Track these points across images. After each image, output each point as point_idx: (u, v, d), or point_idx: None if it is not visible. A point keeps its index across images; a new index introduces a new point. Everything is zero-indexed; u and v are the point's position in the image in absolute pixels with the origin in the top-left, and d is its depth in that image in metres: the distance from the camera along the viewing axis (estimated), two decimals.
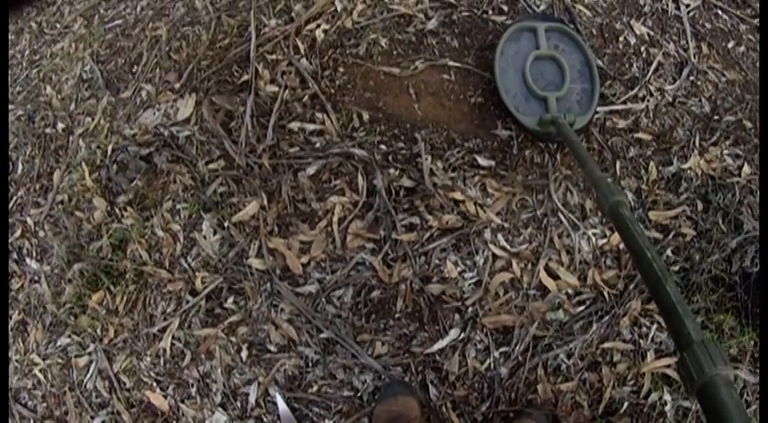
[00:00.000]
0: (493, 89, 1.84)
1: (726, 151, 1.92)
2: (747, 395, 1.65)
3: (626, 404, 1.61)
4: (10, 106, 2.30)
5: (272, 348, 1.67)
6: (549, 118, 1.70)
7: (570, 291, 1.68)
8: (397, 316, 1.66)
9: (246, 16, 1.99)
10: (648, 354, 1.65)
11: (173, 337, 1.73)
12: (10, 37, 2.49)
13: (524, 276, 1.67)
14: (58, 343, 1.86)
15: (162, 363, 1.74)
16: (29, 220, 2.03)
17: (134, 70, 2.08)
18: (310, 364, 1.65)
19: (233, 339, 1.69)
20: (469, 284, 1.66)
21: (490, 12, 1.97)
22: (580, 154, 1.45)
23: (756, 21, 2.20)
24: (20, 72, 2.38)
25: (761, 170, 1.88)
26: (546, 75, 1.84)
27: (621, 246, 1.74)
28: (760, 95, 2.00)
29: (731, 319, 1.70)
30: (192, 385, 1.70)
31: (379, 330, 1.65)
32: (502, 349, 1.63)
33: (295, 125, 1.81)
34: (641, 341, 1.67)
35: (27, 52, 2.42)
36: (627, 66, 1.98)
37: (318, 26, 1.93)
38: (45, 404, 1.85)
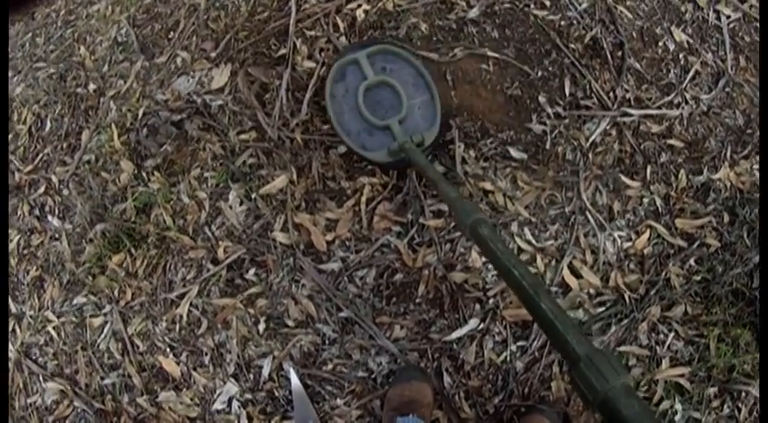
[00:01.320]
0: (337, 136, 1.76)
1: (756, 166, 1.91)
2: (756, 412, 1.64)
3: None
4: (41, 64, 2.30)
5: (290, 323, 1.66)
6: (396, 146, 1.63)
7: (592, 291, 1.68)
8: (417, 301, 1.65)
9: None
10: (664, 361, 1.64)
11: (190, 305, 1.73)
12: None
13: (548, 272, 1.67)
14: (74, 302, 1.87)
15: (177, 329, 1.74)
16: (54, 178, 2.03)
17: (170, 36, 2.08)
18: (327, 342, 1.65)
19: (251, 311, 1.69)
20: (492, 275, 1.65)
21: (532, 5, 1.96)
22: (430, 176, 1.40)
23: None
24: (54, 31, 2.38)
25: (761, 170, 1.86)
26: (383, 102, 1.76)
27: (646, 250, 1.73)
28: (760, 95, 1.99)
29: (748, 335, 1.69)
30: (206, 354, 1.70)
31: (398, 314, 1.65)
32: (519, 343, 1.63)
33: None
34: (657, 348, 1.66)
35: (63, 12, 2.42)
36: (664, 71, 1.96)
37: (359, 6, 1.92)
38: (56, 361, 1.86)
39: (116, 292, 1.82)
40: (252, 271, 1.71)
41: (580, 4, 1.99)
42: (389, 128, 1.70)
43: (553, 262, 1.68)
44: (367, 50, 1.78)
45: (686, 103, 1.93)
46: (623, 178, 1.78)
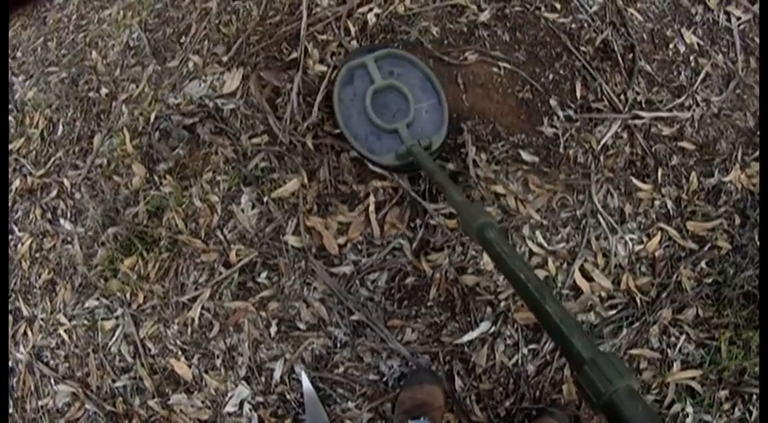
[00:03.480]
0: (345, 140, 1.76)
1: None
2: None
3: None
4: (53, 68, 2.32)
5: (302, 326, 1.67)
6: (404, 150, 1.63)
7: (603, 294, 1.68)
8: (429, 304, 1.66)
9: None
10: (675, 364, 1.64)
11: (202, 308, 1.74)
12: (58, 0, 2.51)
13: (559, 275, 1.67)
14: (86, 304, 1.88)
15: (189, 332, 1.75)
16: (66, 182, 2.05)
17: (182, 41, 2.09)
18: (338, 345, 1.65)
19: (263, 314, 1.69)
20: (504, 279, 1.65)
21: (543, 8, 1.96)
22: (438, 180, 1.40)
23: None
24: (66, 35, 2.40)
25: (761, 170, 1.86)
26: (390, 105, 1.75)
27: (657, 253, 1.73)
28: (760, 96, 1.98)
29: (759, 337, 1.69)
30: (218, 357, 1.71)
31: (410, 317, 1.65)
32: (531, 346, 1.62)
33: None
34: (669, 351, 1.65)
35: (74, 17, 2.44)
36: (675, 73, 1.96)
37: (370, 10, 1.93)
38: (67, 364, 1.87)
39: (128, 296, 1.83)
40: (264, 274, 1.72)
41: (591, 7, 1.99)
42: (397, 131, 1.70)
43: (565, 265, 1.68)
44: (375, 54, 1.78)
45: (697, 105, 1.93)
46: (634, 181, 1.78)
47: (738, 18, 2.13)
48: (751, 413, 1.61)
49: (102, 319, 1.85)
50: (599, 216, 1.73)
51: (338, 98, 1.75)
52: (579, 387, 0.77)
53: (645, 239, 1.74)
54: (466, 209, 1.18)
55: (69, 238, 1.97)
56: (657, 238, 1.73)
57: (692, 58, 2.00)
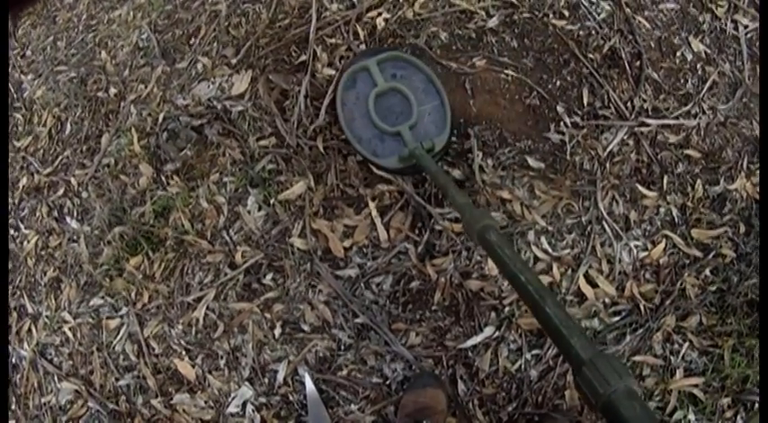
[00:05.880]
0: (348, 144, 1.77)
1: None
2: None
3: None
4: (62, 68, 2.33)
5: (306, 328, 1.68)
6: (407, 152, 1.64)
7: (607, 300, 1.68)
8: (433, 308, 1.66)
9: None
10: (678, 371, 1.64)
11: (207, 308, 1.74)
12: (68, 0, 2.52)
13: (563, 281, 1.67)
14: (91, 303, 1.89)
15: (193, 332, 1.75)
16: (73, 181, 2.06)
17: (191, 42, 2.10)
18: (342, 348, 1.66)
19: (267, 315, 1.70)
20: (508, 284, 1.65)
21: (551, 15, 1.96)
22: (440, 182, 1.41)
23: None
24: (75, 35, 2.41)
25: (761, 170, 1.86)
26: (393, 108, 1.76)
27: (661, 260, 1.73)
28: (760, 95, 1.98)
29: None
30: (222, 357, 1.71)
31: (414, 321, 1.66)
32: (534, 352, 1.63)
33: None
34: (672, 358, 1.66)
35: (84, 17, 2.45)
36: (682, 81, 1.96)
37: (379, 14, 1.94)
38: (71, 362, 1.88)
39: (133, 295, 1.84)
40: (269, 276, 1.72)
41: (599, 14, 2.00)
42: (400, 134, 1.70)
43: (569, 271, 1.69)
44: (377, 57, 1.79)
45: (703, 113, 1.93)
46: (640, 188, 1.78)
47: (746, 26, 2.13)
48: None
49: (107, 318, 1.85)
50: (604, 223, 1.73)
51: (341, 102, 1.76)
52: (578, 388, 0.78)
53: (649, 246, 1.74)
54: (468, 211, 1.19)
55: (75, 237, 1.98)
56: (662, 245, 1.74)
57: (698, 66, 2.00)
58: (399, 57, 1.81)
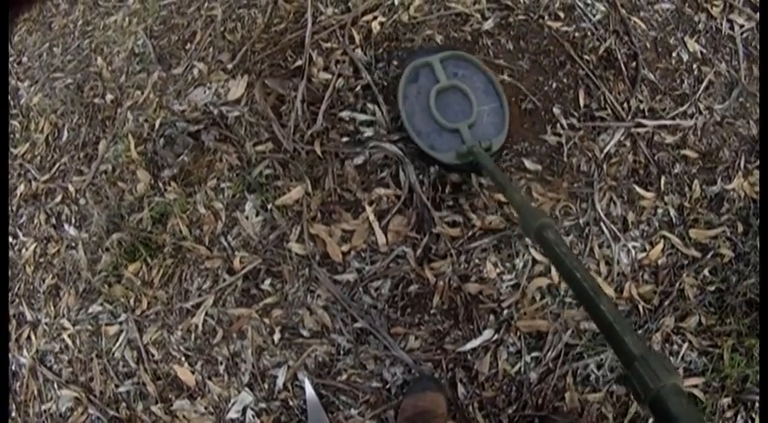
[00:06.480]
0: (404, 132, 1.80)
1: None
2: None
3: (650, 421, 1.60)
4: (59, 74, 2.33)
5: (305, 333, 1.67)
6: (465, 149, 1.67)
7: None
8: (432, 312, 1.66)
9: (303, 3, 2.00)
10: (677, 372, 1.64)
11: (206, 314, 1.74)
12: (64, 6, 2.52)
13: (562, 283, 1.67)
14: (90, 310, 1.88)
15: (192, 338, 1.75)
16: (70, 187, 2.06)
17: (187, 48, 2.10)
18: (342, 353, 1.66)
19: (266, 321, 1.70)
20: (507, 287, 1.66)
21: (546, 17, 1.97)
22: (499, 180, 1.43)
23: None
24: (71, 41, 2.41)
25: (761, 170, 1.86)
26: (453, 105, 1.79)
27: (660, 261, 1.73)
28: (760, 95, 1.98)
29: None
30: (221, 363, 1.71)
31: (413, 324, 1.66)
32: (533, 354, 1.63)
33: (346, 114, 1.82)
34: (671, 358, 1.65)
35: (80, 23, 2.45)
36: (678, 82, 1.97)
37: (375, 18, 1.94)
38: (71, 369, 1.88)
39: (132, 301, 1.83)
40: (267, 281, 1.72)
41: (594, 16, 2.00)
42: (459, 131, 1.73)
43: None
44: (440, 55, 1.82)
45: (700, 113, 1.93)
46: (637, 189, 1.79)
47: (741, 26, 2.14)
48: (753, 420, 1.61)
49: (106, 325, 1.85)
50: (602, 224, 1.74)
51: (403, 94, 1.79)
52: (628, 382, 0.81)
53: (648, 247, 1.74)
54: (526, 209, 1.22)
55: (73, 244, 1.98)
56: (660, 246, 1.74)
57: (695, 66, 2.00)
58: (462, 56, 1.85)
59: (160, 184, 1.90)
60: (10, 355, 1.95)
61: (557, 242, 1.08)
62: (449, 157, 1.71)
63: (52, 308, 1.96)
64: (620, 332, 0.85)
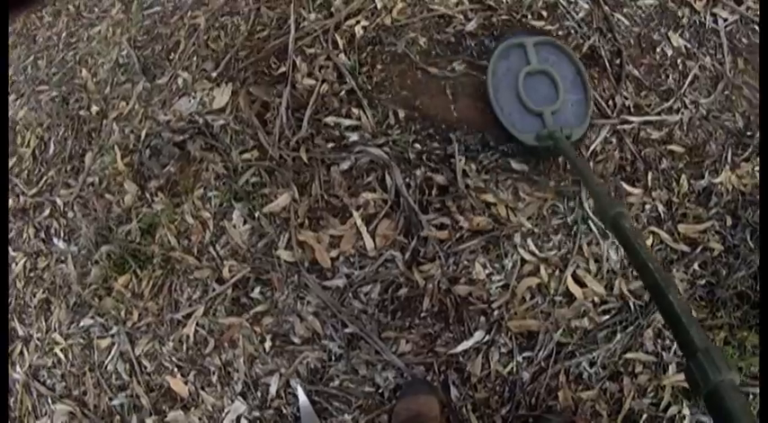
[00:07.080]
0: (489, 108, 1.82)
1: (757, 167, 1.90)
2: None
3: (645, 416, 1.60)
4: (44, 87, 2.33)
5: (296, 340, 1.67)
6: (546, 133, 1.68)
7: (596, 299, 1.68)
8: (422, 315, 1.66)
9: (286, 9, 2.00)
10: (670, 367, 1.64)
11: (197, 324, 1.74)
12: (47, 18, 2.52)
13: (552, 282, 1.67)
14: (81, 323, 1.88)
15: (184, 349, 1.75)
16: (58, 201, 2.05)
17: (171, 57, 2.10)
18: (333, 358, 1.65)
19: (257, 329, 1.70)
20: (497, 287, 1.66)
21: (529, 16, 1.97)
22: (579, 167, 1.46)
23: None
24: (56, 54, 2.41)
25: (761, 170, 1.86)
26: (539, 89, 1.82)
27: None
28: (760, 95, 1.99)
29: (754, 337, 1.69)
30: (214, 373, 1.71)
31: (404, 328, 1.65)
32: (525, 354, 1.63)
33: (330, 120, 1.82)
34: (664, 353, 1.65)
35: (64, 34, 2.45)
36: (663, 77, 1.97)
37: (358, 22, 1.94)
38: (64, 383, 1.87)
39: (122, 314, 1.83)
40: (257, 289, 1.72)
41: (577, 13, 2.00)
42: (542, 115, 1.75)
43: (557, 272, 1.68)
44: (535, 39, 1.86)
45: (686, 107, 1.93)
46: (625, 185, 1.79)
47: (725, 20, 2.14)
48: None
49: (98, 338, 1.85)
50: (590, 222, 1.73)
51: (492, 70, 1.82)
52: (689, 373, 0.82)
53: None
54: (603, 198, 1.23)
55: (63, 257, 1.98)
56: (649, 241, 1.74)
57: (679, 61, 2.01)
58: (555, 44, 1.88)
59: (147, 195, 1.90)
60: None
61: (632, 231, 1.10)
62: (528, 139, 1.73)
63: (44, 322, 1.95)
64: (686, 324, 0.87)
